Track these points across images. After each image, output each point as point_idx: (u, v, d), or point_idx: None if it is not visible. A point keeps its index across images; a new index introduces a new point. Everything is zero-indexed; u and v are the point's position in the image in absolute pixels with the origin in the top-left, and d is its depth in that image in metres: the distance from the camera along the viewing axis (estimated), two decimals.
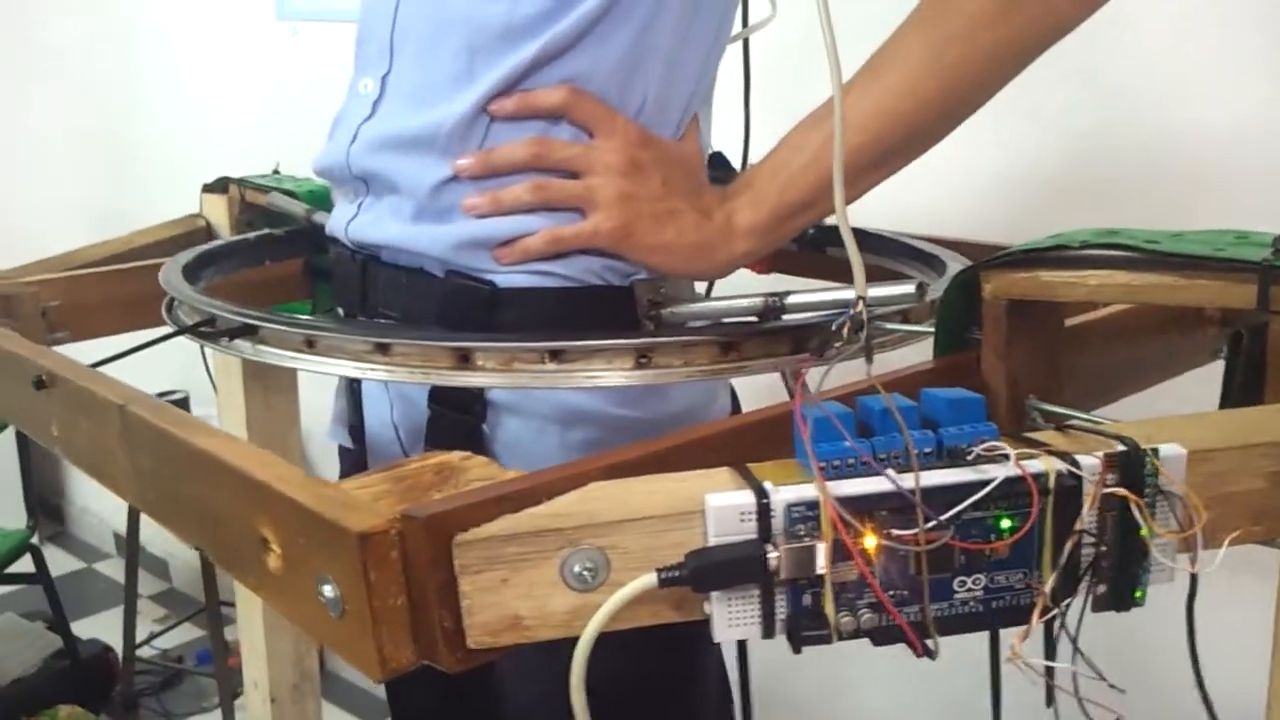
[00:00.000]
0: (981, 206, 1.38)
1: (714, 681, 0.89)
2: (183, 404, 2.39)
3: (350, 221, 0.83)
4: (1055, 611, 0.43)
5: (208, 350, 0.91)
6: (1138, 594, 0.44)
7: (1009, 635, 0.45)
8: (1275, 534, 0.47)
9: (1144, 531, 0.43)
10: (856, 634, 0.43)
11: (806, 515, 0.41)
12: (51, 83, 2.88)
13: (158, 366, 1.31)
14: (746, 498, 0.42)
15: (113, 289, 1.06)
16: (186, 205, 1.31)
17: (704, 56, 0.81)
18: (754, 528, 0.41)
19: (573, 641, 0.66)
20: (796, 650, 0.42)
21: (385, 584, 0.42)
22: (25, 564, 2.26)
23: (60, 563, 2.97)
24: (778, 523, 0.42)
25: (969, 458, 0.43)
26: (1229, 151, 1.14)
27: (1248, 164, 1.13)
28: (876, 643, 0.43)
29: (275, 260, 1.05)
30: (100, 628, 2.53)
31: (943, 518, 0.40)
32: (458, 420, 0.78)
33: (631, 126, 0.76)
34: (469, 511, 0.42)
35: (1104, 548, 0.43)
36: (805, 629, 0.42)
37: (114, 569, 2.92)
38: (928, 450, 0.43)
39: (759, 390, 0.99)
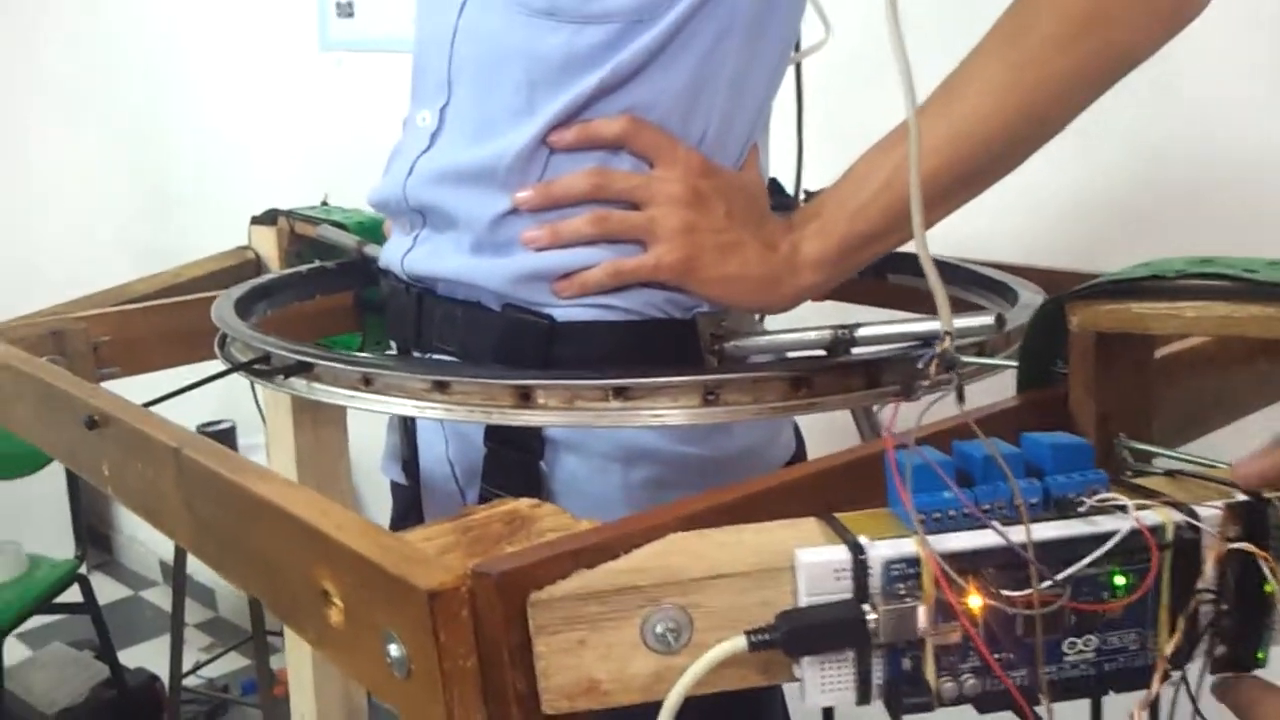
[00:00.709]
0: (1041, 230, 1.35)
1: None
2: (229, 434, 2.40)
3: (406, 254, 0.81)
4: (1174, 675, 0.39)
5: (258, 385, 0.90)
6: (1260, 655, 0.41)
7: (1112, 701, 0.42)
8: None
9: (1269, 587, 0.40)
10: (959, 700, 0.40)
11: (907, 573, 0.39)
12: (92, 117, 2.92)
13: (203, 396, 1.30)
14: (841, 554, 0.39)
15: (163, 323, 1.05)
16: (229, 239, 1.30)
17: (766, 83, 0.79)
18: (849, 586, 0.39)
19: (652, 708, 0.63)
20: (896, 712, 0.39)
21: (455, 644, 0.39)
22: (74, 594, 2.26)
23: (108, 591, 2.98)
24: (875, 581, 0.39)
25: (1080, 509, 0.40)
26: None
27: None
28: (981, 710, 0.40)
29: (326, 293, 1.04)
30: (147, 656, 2.53)
31: (1059, 577, 0.37)
32: (515, 458, 0.76)
33: (694, 156, 0.74)
34: (543, 567, 0.40)
35: (1224, 605, 0.40)
36: (905, 695, 0.39)
37: (161, 597, 2.93)
38: (1034, 501, 0.40)
39: (824, 428, 0.96)
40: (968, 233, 1.38)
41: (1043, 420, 0.61)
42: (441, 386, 0.65)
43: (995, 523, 0.39)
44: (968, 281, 0.92)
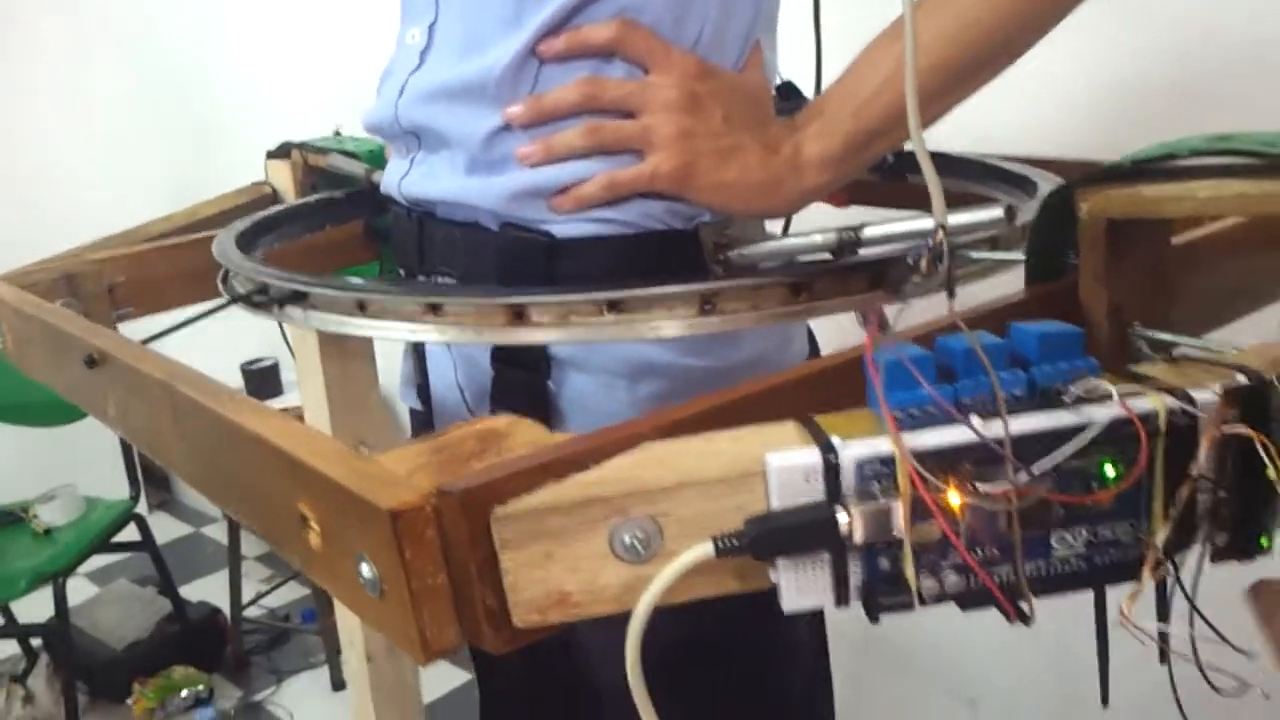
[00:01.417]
0: (1067, 121, 1.30)
1: (806, 638, 0.85)
2: (272, 371, 2.43)
3: (403, 178, 0.80)
4: (1168, 566, 0.37)
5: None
6: (1264, 541, 0.39)
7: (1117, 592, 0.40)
8: None
9: (1271, 473, 0.38)
10: (941, 598, 0.38)
11: (880, 472, 0.37)
12: (120, 55, 2.92)
13: (246, 335, 1.31)
14: (812, 456, 0.37)
15: (178, 262, 1.04)
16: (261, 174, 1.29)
17: None
18: (821, 489, 0.37)
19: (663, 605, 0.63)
20: (874, 620, 0.38)
21: (423, 563, 0.39)
22: (132, 533, 2.32)
23: (168, 529, 3.06)
24: (848, 482, 0.37)
25: (1065, 399, 0.38)
26: None
27: None
28: (964, 607, 0.38)
29: (336, 224, 1.03)
30: (209, 590, 2.60)
31: (1036, 469, 0.35)
32: (522, 379, 0.75)
33: (689, 58, 0.71)
34: (508, 482, 0.39)
35: (1223, 493, 0.38)
36: (883, 595, 0.38)
37: (220, 532, 3.00)
38: (1018, 393, 0.38)
39: (841, 331, 0.94)
40: (993, 126, 1.34)
41: (1051, 314, 0.58)
42: (434, 309, 0.64)
43: (970, 416, 0.37)
44: (986, 176, 0.89)
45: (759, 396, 0.46)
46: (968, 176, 0.92)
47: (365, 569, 0.41)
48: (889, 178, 1.00)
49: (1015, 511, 0.36)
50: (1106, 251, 0.56)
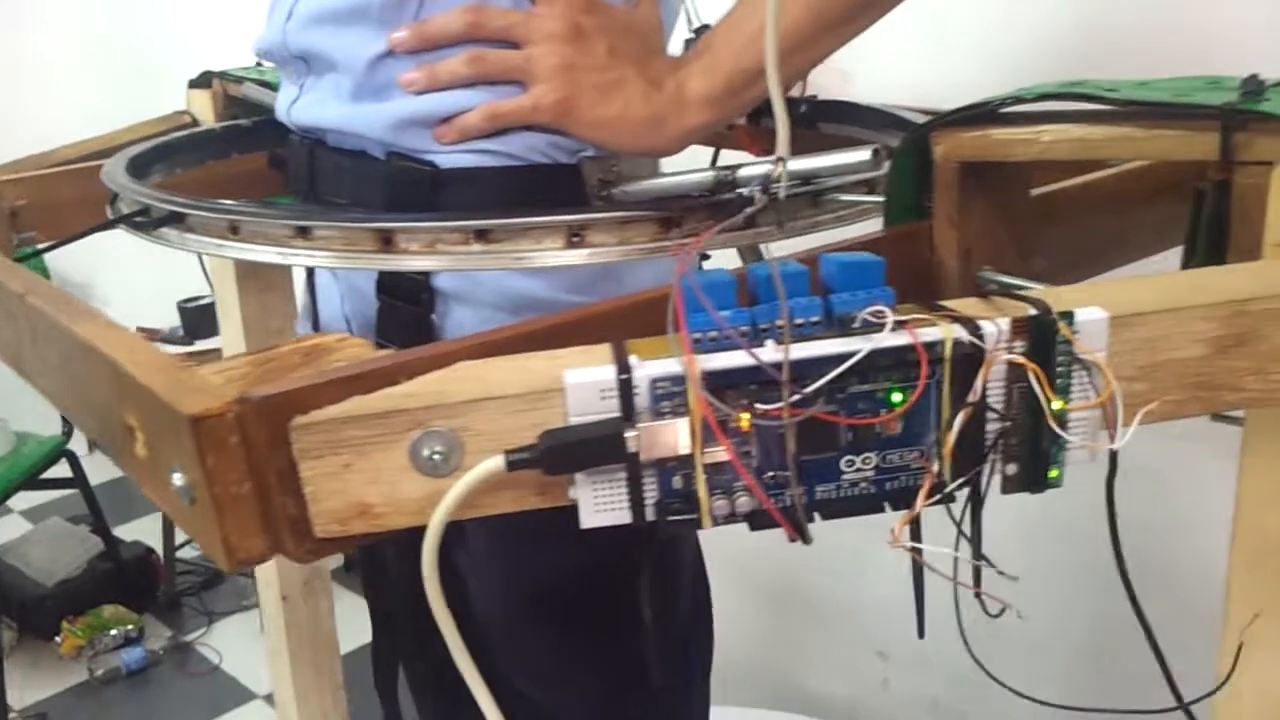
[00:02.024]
0: (1002, 76, 1.30)
1: (689, 573, 0.87)
2: (209, 309, 2.40)
3: (293, 104, 0.79)
4: (951, 491, 0.38)
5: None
6: (1053, 474, 0.40)
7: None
8: (1218, 406, 0.43)
9: (1055, 404, 0.39)
10: (731, 518, 0.39)
11: (672, 391, 0.38)
12: None
13: (186, 273, 1.31)
14: (607, 373, 0.38)
15: (82, 187, 1.03)
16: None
17: None
18: (616, 406, 0.38)
19: (530, 537, 0.63)
20: (662, 535, 0.38)
21: (226, 470, 0.39)
22: (65, 470, 2.31)
23: (106, 469, 3.04)
24: (642, 400, 0.38)
25: (855, 325, 0.38)
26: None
27: None
28: (753, 527, 0.39)
29: (243, 152, 1.02)
30: (143, 531, 2.59)
31: (808, 390, 0.36)
32: (406, 311, 0.75)
33: None
34: (313, 393, 0.39)
35: (1009, 423, 0.39)
36: (674, 513, 0.39)
37: None
38: (815, 318, 0.39)
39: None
40: (926, 83, 1.35)
41: (906, 254, 0.59)
42: (303, 232, 0.64)
43: (770, 342, 0.38)
44: (890, 125, 0.89)
45: (585, 322, 0.46)
46: (874, 126, 0.93)
47: (177, 477, 0.41)
48: (801, 126, 1.00)
49: (791, 431, 0.37)
50: (959, 194, 0.57)
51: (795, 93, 1.00)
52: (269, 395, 0.38)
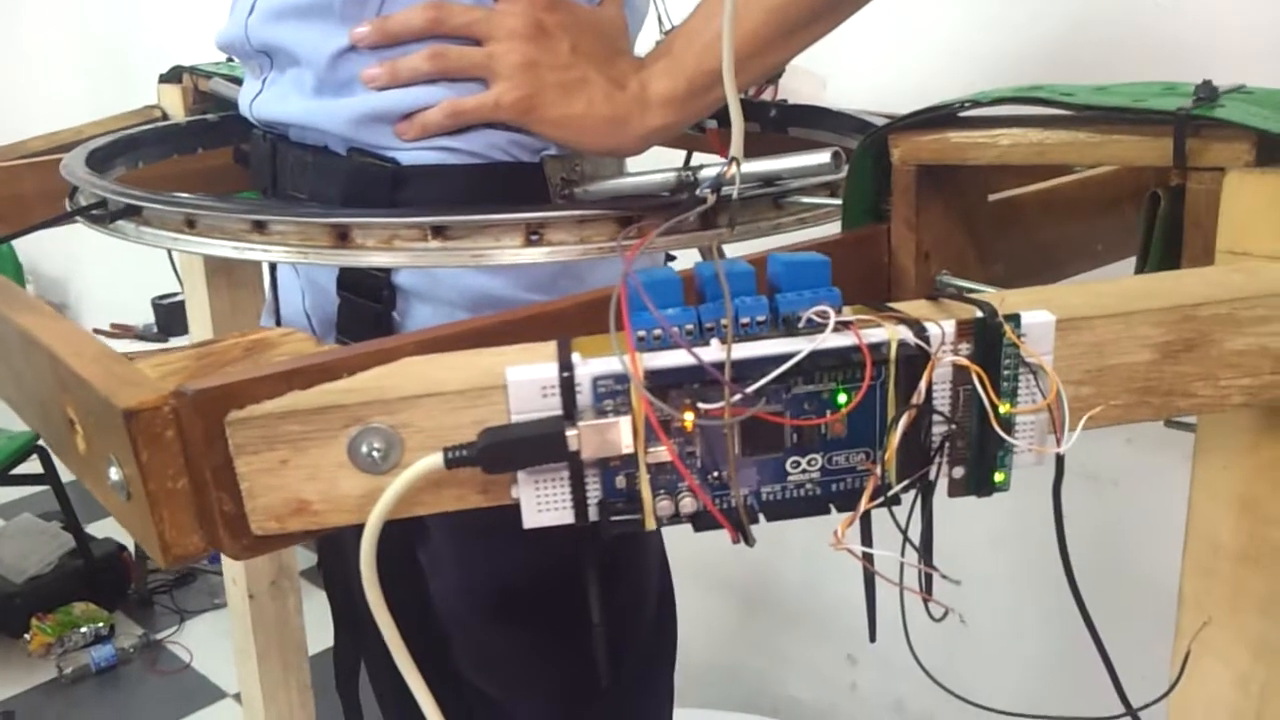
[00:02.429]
0: (967, 88, 1.31)
1: (651, 573, 0.86)
2: (182, 306, 2.38)
3: (255, 99, 0.78)
4: (895, 493, 0.38)
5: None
6: (998, 477, 0.40)
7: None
8: (1168, 412, 0.43)
9: (1002, 408, 0.38)
10: (675, 519, 0.39)
11: (615, 390, 0.37)
12: None
13: (161, 271, 1.31)
14: (549, 371, 0.37)
15: (47, 179, 1.02)
16: None
17: None
18: (558, 404, 0.37)
19: (488, 536, 0.63)
20: (605, 535, 0.38)
21: (161, 465, 0.38)
22: (36, 466, 2.29)
23: None
24: (584, 399, 0.38)
25: (800, 325, 0.38)
26: (1245, 22, 1.05)
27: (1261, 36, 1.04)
28: (697, 528, 0.39)
29: (209, 147, 1.01)
30: (115, 528, 2.56)
31: (750, 390, 0.36)
32: (367, 308, 0.75)
33: None
34: (250, 387, 0.38)
35: (954, 426, 0.39)
36: (618, 513, 0.38)
37: None
38: (761, 319, 0.39)
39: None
40: (897, 88, 1.35)
41: (864, 257, 0.59)
42: (260, 226, 0.64)
43: (715, 341, 0.38)
44: (853, 130, 0.89)
45: (533, 320, 0.46)
46: (839, 130, 0.93)
47: (113, 472, 0.41)
48: (770, 129, 1.00)
49: (734, 431, 0.36)
50: (916, 197, 0.57)
51: (767, 97, 1.00)
52: (205, 389, 0.38)
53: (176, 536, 0.39)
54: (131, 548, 2.44)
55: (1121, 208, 0.70)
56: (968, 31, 1.27)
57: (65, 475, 2.37)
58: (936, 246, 0.58)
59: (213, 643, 2.28)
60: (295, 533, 0.40)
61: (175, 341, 2.42)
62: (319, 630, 1.44)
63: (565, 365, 0.37)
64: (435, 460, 0.37)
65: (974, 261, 0.60)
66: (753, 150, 1.01)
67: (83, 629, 2.25)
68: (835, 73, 1.07)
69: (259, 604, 1.42)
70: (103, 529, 2.56)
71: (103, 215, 0.71)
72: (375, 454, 0.38)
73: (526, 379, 0.38)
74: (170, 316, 2.42)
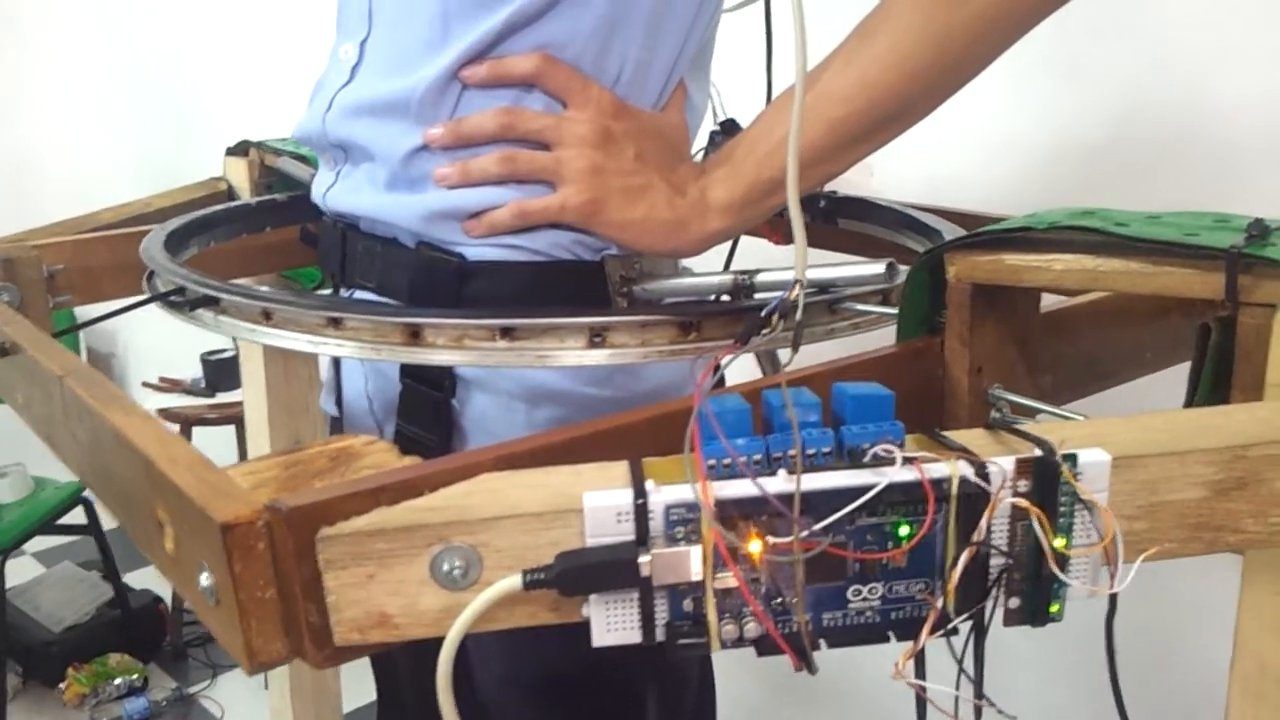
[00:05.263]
0: (1019, 174, 1.33)
1: (693, 676, 0.87)
2: (231, 363, 2.43)
3: (328, 190, 0.82)
4: (954, 624, 0.40)
5: None
6: (1054, 609, 0.41)
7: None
8: (1218, 547, 0.44)
9: (1058, 543, 0.40)
10: (739, 643, 0.40)
11: (686, 518, 0.39)
12: (110, 37, 2.92)
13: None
14: (624, 497, 0.39)
15: (119, 252, 1.05)
16: None
17: (690, 19, 0.78)
18: (631, 529, 0.39)
19: (534, 633, 0.65)
20: (672, 658, 0.40)
21: (252, 576, 0.40)
22: (79, 516, 2.32)
23: None
24: (657, 524, 0.39)
25: (865, 459, 0.40)
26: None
27: None
28: (761, 653, 0.40)
29: (276, 226, 1.05)
30: (153, 579, 2.59)
31: (818, 525, 0.37)
32: (427, 395, 0.77)
33: (605, 96, 0.73)
34: (340, 503, 0.41)
35: (1010, 559, 0.40)
36: (684, 636, 0.40)
37: None
38: (826, 450, 0.40)
39: (748, 368, 0.96)
40: (944, 177, 1.37)
41: (918, 370, 0.61)
42: (335, 323, 0.66)
43: (782, 472, 0.39)
44: (900, 225, 0.91)
45: (604, 436, 0.48)
46: (884, 223, 0.95)
47: (204, 577, 0.43)
48: (819, 222, 1.02)
49: (799, 563, 0.38)
50: (970, 314, 0.58)
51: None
52: (298, 506, 0.40)
53: (263, 644, 0.41)
54: (168, 599, 2.47)
55: (1165, 320, 0.71)
56: (1014, 123, 1.29)
57: (107, 524, 2.41)
58: (989, 360, 0.60)
59: (244, 699, 2.30)
60: (375, 643, 0.41)
61: (223, 397, 2.46)
62: (354, 690, 1.45)
63: (639, 493, 0.39)
64: (515, 582, 0.39)
65: (1024, 374, 0.62)
66: (809, 242, 1.04)
67: (117, 680, 2.28)
68: (883, 160, 1.09)
69: (297, 668, 1.44)
70: (140, 580, 2.59)
71: (181, 302, 0.73)
72: (456, 572, 0.40)
73: (602, 505, 0.39)
74: (218, 372, 2.47)
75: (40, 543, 2.71)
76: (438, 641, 0.42)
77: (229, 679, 2.38)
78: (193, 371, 2.60)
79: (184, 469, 0.45)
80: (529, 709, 0.81)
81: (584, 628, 0.42)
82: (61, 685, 2.26)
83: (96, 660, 2.30)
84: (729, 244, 0.99)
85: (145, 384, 2.61)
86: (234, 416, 2.26)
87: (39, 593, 2.44)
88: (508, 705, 0.82)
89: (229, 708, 2.27)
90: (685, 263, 0.83)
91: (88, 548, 2.56)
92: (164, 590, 2.48)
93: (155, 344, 3.02)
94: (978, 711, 0.41)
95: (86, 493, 2.33)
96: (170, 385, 2.59)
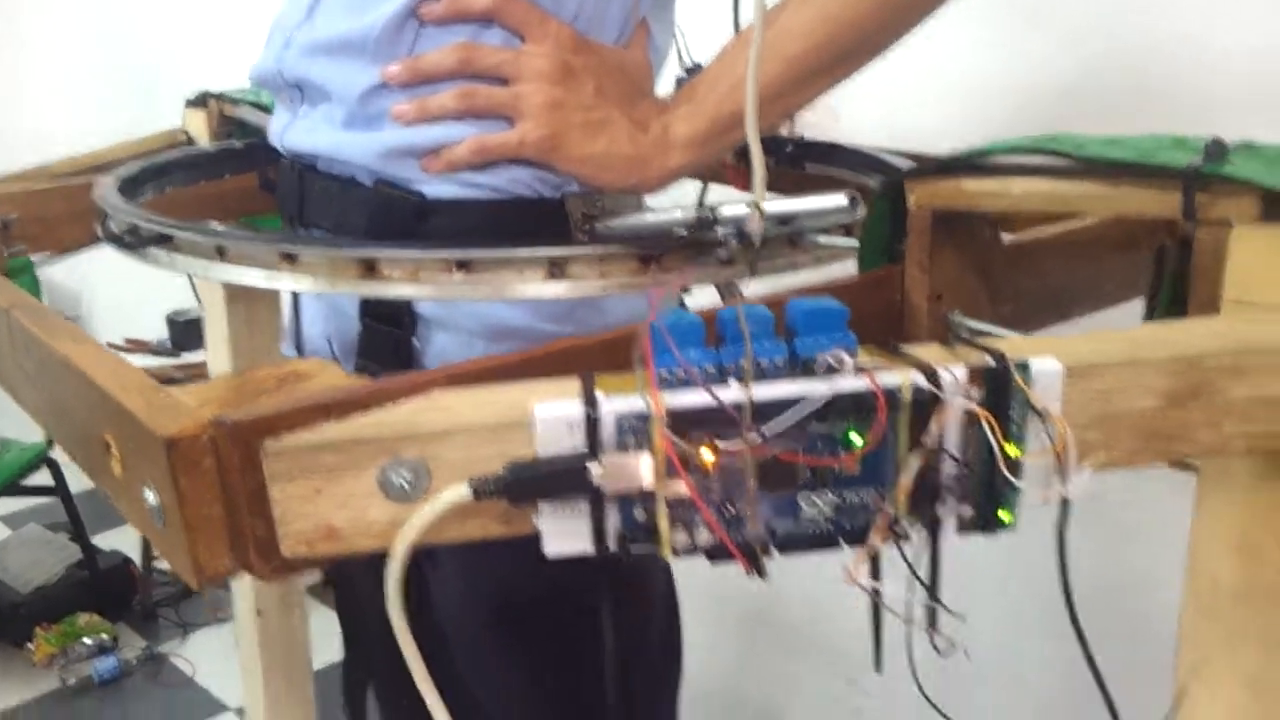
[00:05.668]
0: (981, 123, 1.33)
1: (658, 595, 0.87)
2: (196, 323, 2.40)
3: (286, 130, 0.80)
4: (905, 530, 0.40)
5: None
6: (1005, 517, 0.41)
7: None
8: (1171, 455, 0.44)
9: (1010, 451, 0.40)
10: (691, 550, 0.40)
11: (637, 427, 0.39)
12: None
13: (177, 287, 1.33)
14: (574, 408, 0.39)
15: (74, 202, 1.03)
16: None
17: None
18: (582, 440, 0.39)
19: (495, 555, 0.64)
20: (625, 558, 0.39)
21: (198, 492, 0.40)
22: (46, 478, 2.30)
23: (86, 478, 3.03)
24: (608, 435, 0.39)
25: (817, 368, 0.39)
26: (1254, 69, 1.07)
27: (1271, 84, 1.06)
28: (712, 560, 0.40)
29: (235, 173, 1.03)
30: (122, 541, 2.58)
31: (768, 431, 0.37)
32: (388, 334, 0.76)
33: (565, 30, 0.72)
34: (287, 417, 0.40)
35: (965, 468, 0.40)
36: (635, 544, 0.40)
37: None
38: (778, 361, 0.40)
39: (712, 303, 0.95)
40: (910, 121, 1.37)
41: (878, 297, 0.61)
42: (290, 258, 0.65)
43: (733, 381, 0.39)
44: (866, 167, 0.91)
45: (556, 356, 0.47)
46: (853, 166, 0.95)
47: (150, 496, 0.42)
48: (786, 165, 1.02)
49: (750, 469, 0.38)
50: (930, 241, 0.58)
51: (784, 132, 1.02)
52: (243, 419, 0.39)
53: (209, 560, 0.41)
54: (138, 560, 2.46)
55: (1127, 251, 0.71)
56: (981, 68, 1.29)
57: (75, 487, 2.39)
58: (949, 287, 0.59)
59: (216, 656, 2.29)
60: (323, 556, 0.41)
61: (189, 357, 2.43)
62: (324, 646, 1.45)
63: (590, 402, 0.39)
64: (463, 491, 0.39)
65: (985, 302, 0.62)
66: (770, 186, 1.03)
67: (86, 640, 2.26)
68: (849, 105, 1.09)
69: (266, 620, 1.43)
70: (109, 541, 2.57)
71: (134, 242, 0.72)
72: (404, 484, 0.40)
73: (553, 416, 0.39)
74: (184, 333, 2.43)
75: (4, 505, 2.69)
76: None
77: (200, 637, 2.37)
78: (158, 332, 2.57)
79: (131, 391, 0.44)
80: (489, 635, 0.81)
81: (540, 557, 0.41)
82: (30, 646, 2.24)
83: (65, 620, 2.28)
84: (699, 191, 0.98)
85: (110, 345, 2.57)
86: (201, 376, 2.23)
87: (5, 555, 2.42)
88: (467, 632, 0.82)
89: (200, 665, 2.27)
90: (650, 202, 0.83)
91: (55, 511, 2.54)
92: (133, 550, 2.46)
93: (120, 306, 2.98)
94: (932, 615, 0.41)
95: (52, 453, 2.31)
96: (136, 346, 2.56)
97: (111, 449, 0.46)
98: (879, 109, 1.32)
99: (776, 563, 0.41)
